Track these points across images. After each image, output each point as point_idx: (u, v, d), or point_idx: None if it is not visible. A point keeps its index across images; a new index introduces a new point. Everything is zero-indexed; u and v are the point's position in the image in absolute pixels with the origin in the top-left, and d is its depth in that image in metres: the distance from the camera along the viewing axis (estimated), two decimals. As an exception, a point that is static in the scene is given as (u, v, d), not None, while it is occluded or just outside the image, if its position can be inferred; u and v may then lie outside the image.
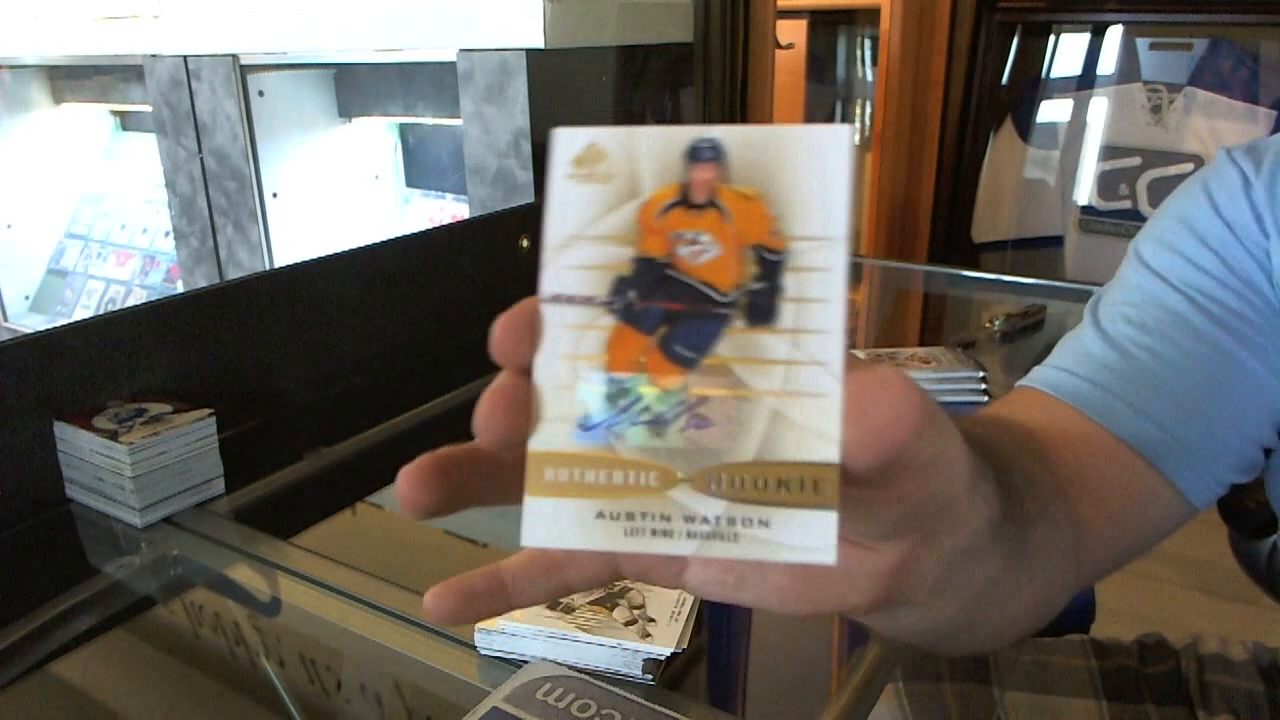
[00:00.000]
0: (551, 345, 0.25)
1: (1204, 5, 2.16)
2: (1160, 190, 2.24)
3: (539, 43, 1.26)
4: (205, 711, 0.60)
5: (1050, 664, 0.73)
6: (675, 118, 1.59)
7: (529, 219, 1.27)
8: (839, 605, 0.29)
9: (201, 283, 1.91)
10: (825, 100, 2.82)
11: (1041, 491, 0.41)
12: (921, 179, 2.46)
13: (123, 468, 0.73)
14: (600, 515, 0.24)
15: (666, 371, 0.25)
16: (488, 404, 0.24)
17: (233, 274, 1.85)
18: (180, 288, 2.04)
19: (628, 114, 1.48)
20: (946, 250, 2.49)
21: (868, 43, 2.72)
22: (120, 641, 0.66)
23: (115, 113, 2.34)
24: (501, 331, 0.25)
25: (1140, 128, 2.25)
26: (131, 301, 2.22)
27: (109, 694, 0.61)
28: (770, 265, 0.24)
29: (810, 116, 2.68)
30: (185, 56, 1.74)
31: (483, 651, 0.58)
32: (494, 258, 1.23)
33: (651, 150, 0.25)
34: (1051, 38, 2.39)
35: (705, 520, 0.24)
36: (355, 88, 1.82)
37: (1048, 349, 0.55)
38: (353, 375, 1.04)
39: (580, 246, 0.25)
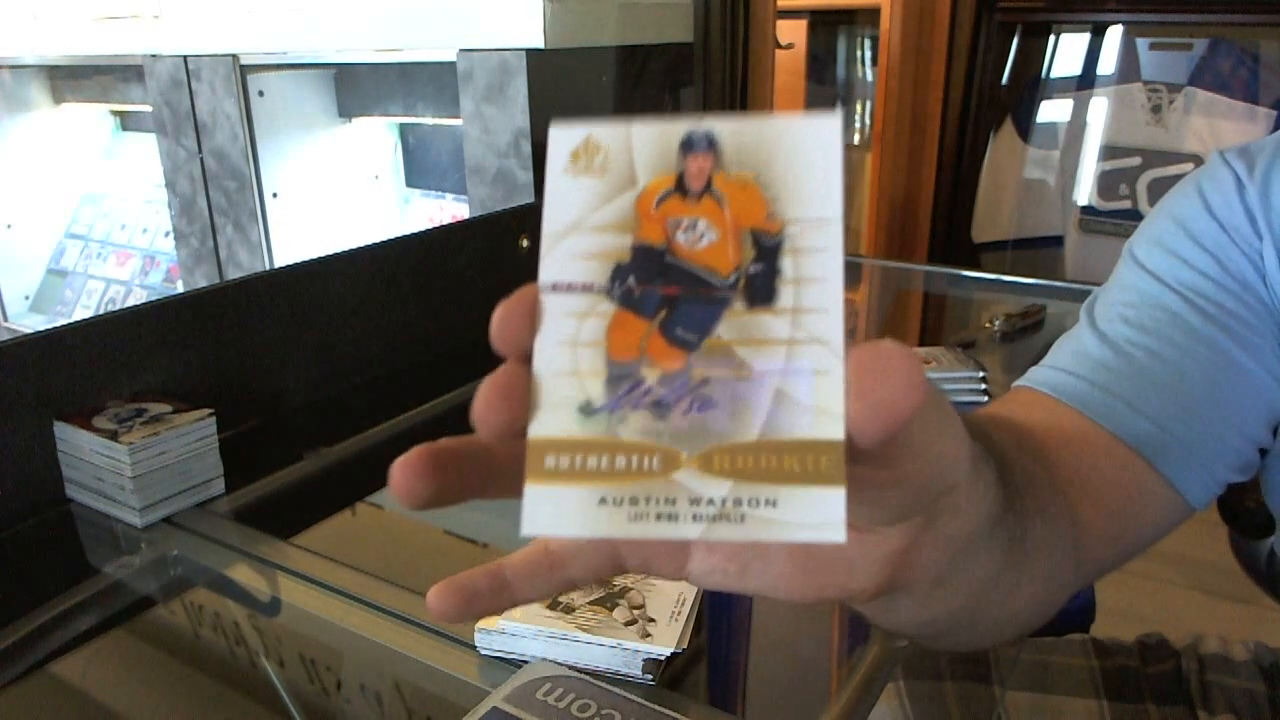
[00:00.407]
0: (551, 332, 0.25)
1: (1204, 5, 2.16)
2: (1160, 190, 2.23)
3: (539, 43, 1.26)
4: (205, 711, 0.60)
5: (1051, 663, 0.73)
6: (675, 118, 1.59)
7: (529, 219, 1.27)
8: (842, 592, 0.29)
9: (201, 283, 1.91)
10: (825, 100, 2.82)
11: (1040, 489, 0.41)
12: (921, 179, 2.46)
13: (123, 468, 0.73)
14: (603, 501, 0.24)
15: (668, 355, 0.25)
16: (486, 393, 0.24)
17: (233, 274, 1.85)
18: (180, 288, 2.04)
19: (628, 114, 1.48)
20: (946, 250, 2.49)
21: (868, 43, 2.72)
22: (120, 641, 0.66)
23: (115, 113, 2.34)
24: (501, 319, 0.25)
25: (1140, 128, 2.25)
26: (131, 301, 2.22)
27: (109, 694, 0.61)
28: (767, 248, 0.25)
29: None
30: (185, 56, 1.74)
31: (483, 651, 0.58)
32: (494, 258, 1.23)
33: (646, 142, 0.26)
34: (1051, 38, 2.39)
35: (711, 502, 0.24)
36: (355, 88, 1.82)
37: (1047, 349, 0.56)
38: (352, 375, 1.04)
39: (578, 236, 0.26)
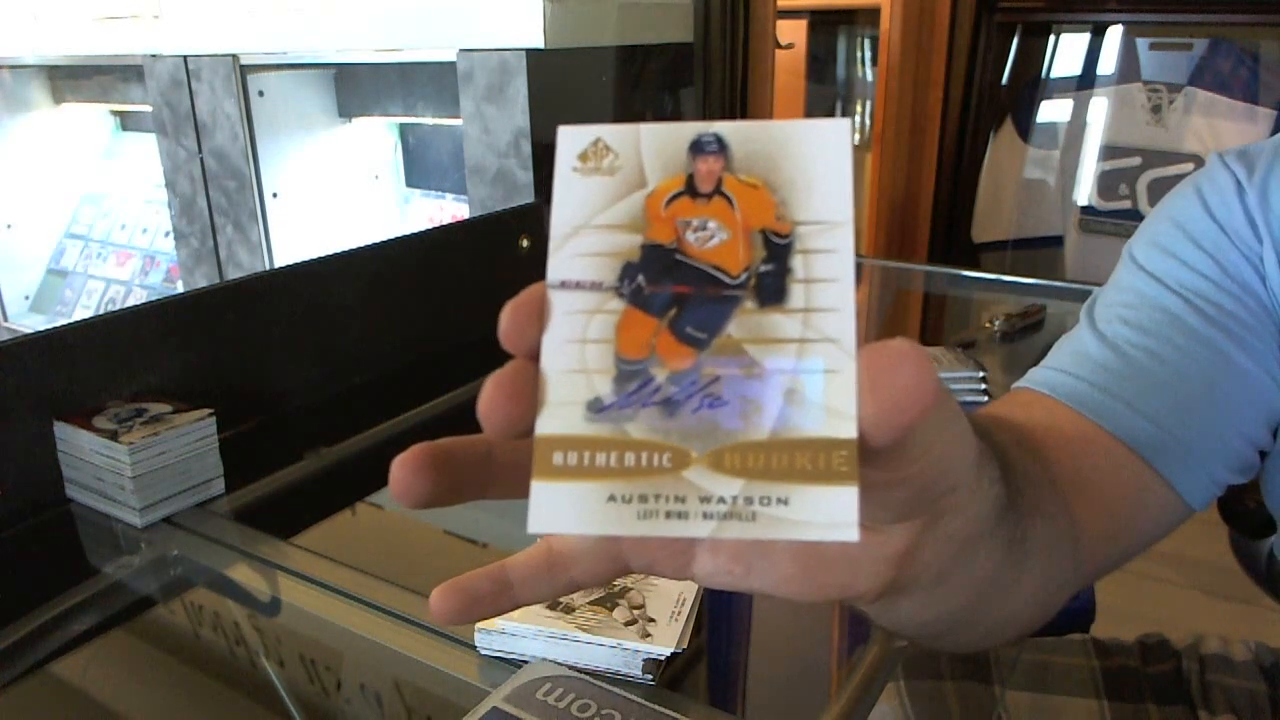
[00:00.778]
0: (560, 330, 0.25)
1: (1204, 5, 2.16)
2: (1160, 190, 2.23)
3: (539, 43, 1.26)
4: (205, 711, 0.60)
5: (1051, 663, 0.73)
6: (675, 118, 1.59)
7: (529, 219, 1.27)
8: (846, 592, 0.29)
9: (201, 283, 1.91)
10: (825, 100, 2.82)
11: (1040, 488, 0.41)
12: (921, 179, 2.46)
13: (123, 468, 0.73)
14: (612, 499, 0.24)
15: (678, 353, 0.25)
16: (492, 390, 0.24)
17: (233, 274, 1.85)
18: (180, 288, 2.04)
19: (628, 114, 1.48)
20: (946, 250, 2.49)
21: (868, 43, 2.72)
22: (120, 641, 0.66)
23: (115, 113, 2.34)
24: (509, 317, 0.25)
25: (1140, 128, 2.25)
26: (131, 301, 2.22)
27: (109, 694, 0.61)
28: (778, 248, 0.25)
29: (810, 116, 2.68)
30: (185, 56, 1.74)
31: (483, 651, 0.58)
32: (494, 258, 1.23)
33: (656, 144, 0.26)
34: (1051, 38, 2.39)
35: (722, 500, 0.23)
36: (355, 88, 1.82)
37: (1047, 349, 0.56)
38: (352, 375, 1.04)
39: (587, 235, 0.26)
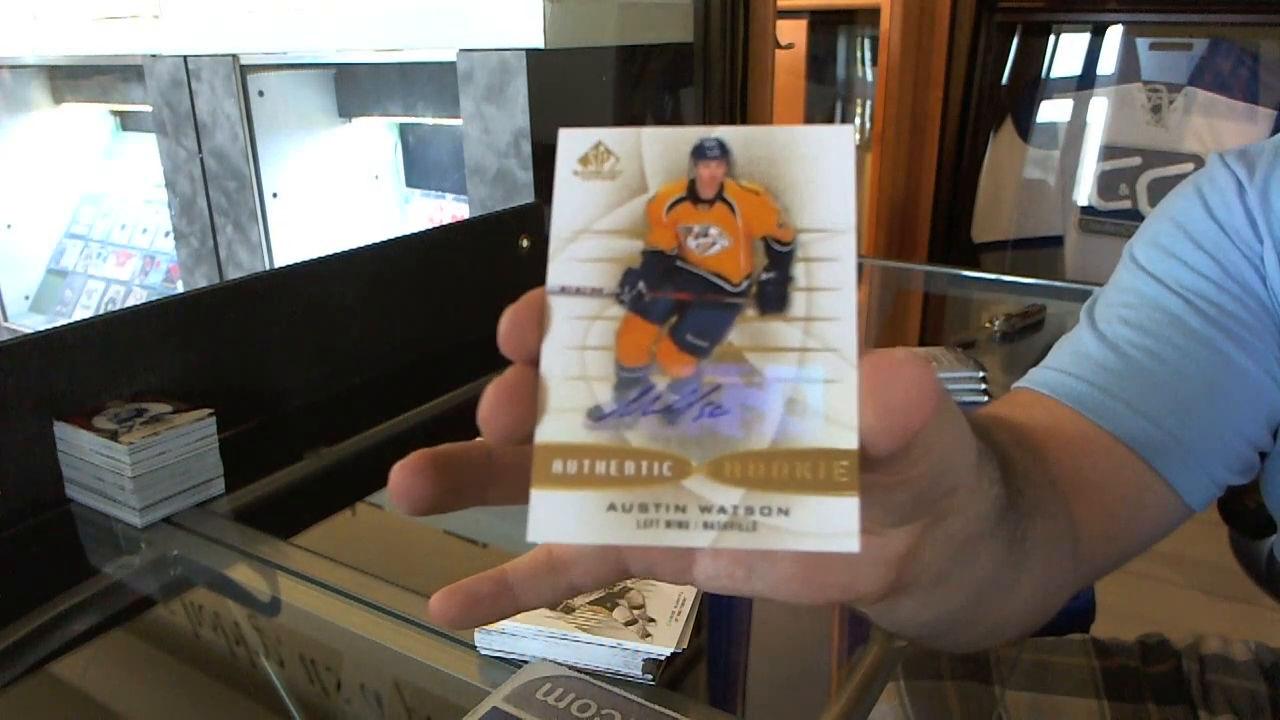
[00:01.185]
0: (559, 336, 0.25)
1: (1204, 5, 2.16)
2: (1160, 190, 2.23)
3: (539, 43, 1.26)
4: (205, 711, 0.60)
5: (1051, 663, 0.73)
6: (675, 117, 1.59)
7: (529, 219, 1.27)
8: (847, 594, 0.29)
9: (201, 283, 1.91)
10: (825, 100, 2.82)
11: (1039, 488, 0.41)
12: (921, 179, 2.46)
13: (123, 468, 0.73)
14: (611, 508, 0.24)
15: (678, 360, 0.24)
16: (492, 396, 0.24)
17: (233, 274, 1.85)
18: (180, 288, 2.04)
19: (628, 114, 1.48)
20: (946, 250, 2.49)
21: (868, 43, 2.72)
22: (120, 641, 0.66)
23: (115, 113, 2.34)
24: (509, 322, 0.24)
25: (1140, 128, 2.25)
26: (131, 301, 2.22)
27: (109, 694, 0.61)
28: (779, 256, 0.25)
29: (810, 116, 2.68)
30: (185, 56, 1.74)
31: (483, 651, 0.58)
32: (494, 258, 1.23)
33: (657, 148, 0.26)
34: (1051, 38, 2.39)
35: (722, 510, 0.23)
36: (355, 88, 1.82)
37: (1048, 349, 0.56)
38: (352, 375, 1.04)
39: (588, 240, 0.25)
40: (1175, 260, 0.51)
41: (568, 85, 1.35)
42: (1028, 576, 0.39)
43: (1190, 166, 2.18)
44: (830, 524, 0.23)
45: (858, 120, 2.80)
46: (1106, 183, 2.31)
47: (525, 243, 1.26)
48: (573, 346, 0.25)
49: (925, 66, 2.37)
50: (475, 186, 1.39)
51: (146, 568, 0.73)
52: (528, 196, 1.32)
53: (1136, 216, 2.27)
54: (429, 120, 1.75)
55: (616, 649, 0.55)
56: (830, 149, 0.25)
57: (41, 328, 0.79)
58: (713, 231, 0.25)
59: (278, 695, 0.60)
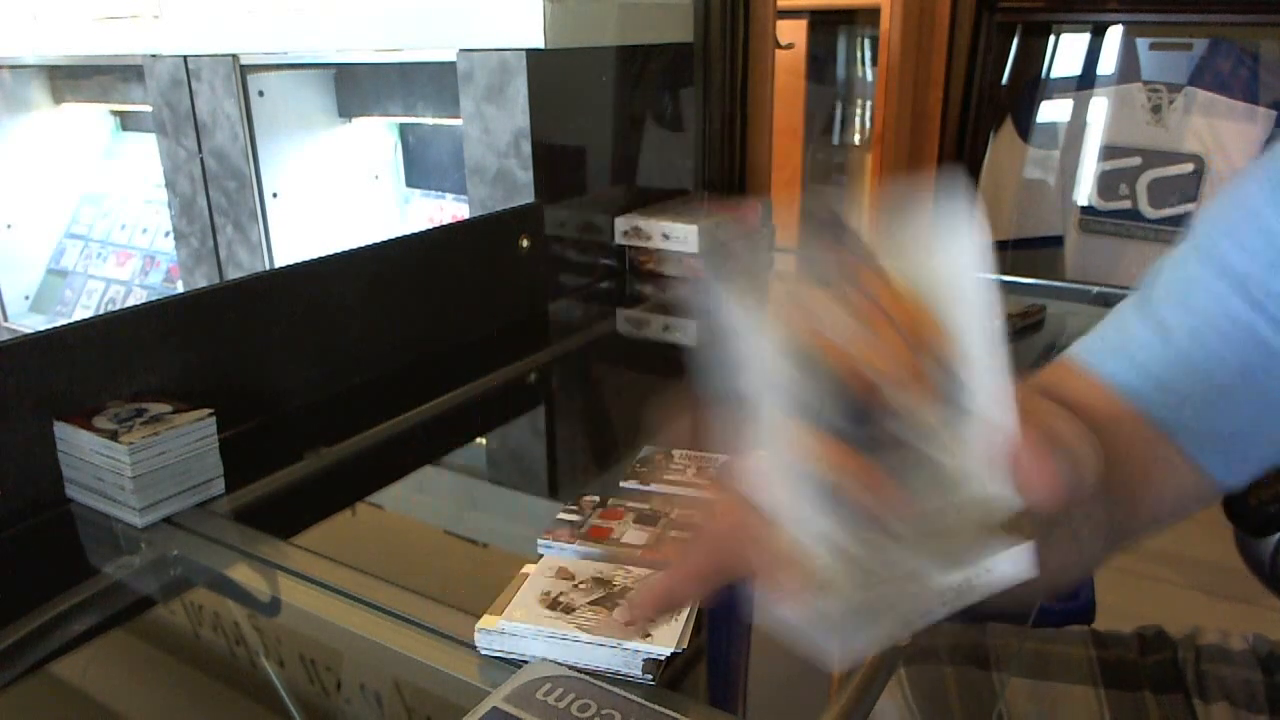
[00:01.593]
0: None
1: (1204, 5, 2.16)
2: (1160, 190, 2.23)
3: (539, 43, 1.26)
4: (205, 711, 0.60)
5: (1050, 653, 0.74)
6: (675, 117, 1.59)
7: (529, 219, 1.27)
8: None
9: (201, 283, 1.91)
10: (825, 100, 2.82)
11: None
12: (921, 179, 2.46)
13: (123, 468, 0.73)
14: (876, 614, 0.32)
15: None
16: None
17: (233, 274, 1.85)
18: (180, 288, 2.04)
19: (628, 114, 1.48)
20: (946, 250, 2.48)
21: (868, 43, 2.72)
22: (120, 641, 0.66)
23: (115, 113, 2.34)
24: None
25: (1140, 128, 2.25)
26: (131, 301, 2.22)
27: (109, 694, 0.61)
28: (945, 368, 0.33)
29: (810, 116, 2.68)
30: (185, 56, 1.74)
31: (483, 651, 0.58)
32: (494, 258, 1.23)
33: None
34: (1051, 38, 2.39)
35: (951, 589, 0.32)
36: (355, 88, 1.82)
37: (1048, 349, 0.56)
38: (352, 375, 1.04)
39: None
40: (1233, 241, 0.52)
41: (568, 85, 1.35)
42: (1074, 544, 0.45)
43: (1190, 167, 2.18)
44: (1019, 568, 0.33)
45: (858, 120, 2.80)
46: (1106, 183, 2.31)
47: (525, 243, 1.26)
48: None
49: (925, 66, 2.37)
50: (475, 186, 1.39)
51: (146, 568, 0.73)
52: (528, 196, 1.32)
53: (1136, 216, 2.27)
54: (429, 120, 1.75)
55: (616, 649, 0.55)
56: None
57: (41, 328, 0.79)
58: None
59: (278, 695, 0.60)
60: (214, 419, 0.78)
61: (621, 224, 1.44)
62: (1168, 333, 0.51)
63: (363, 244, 1.05)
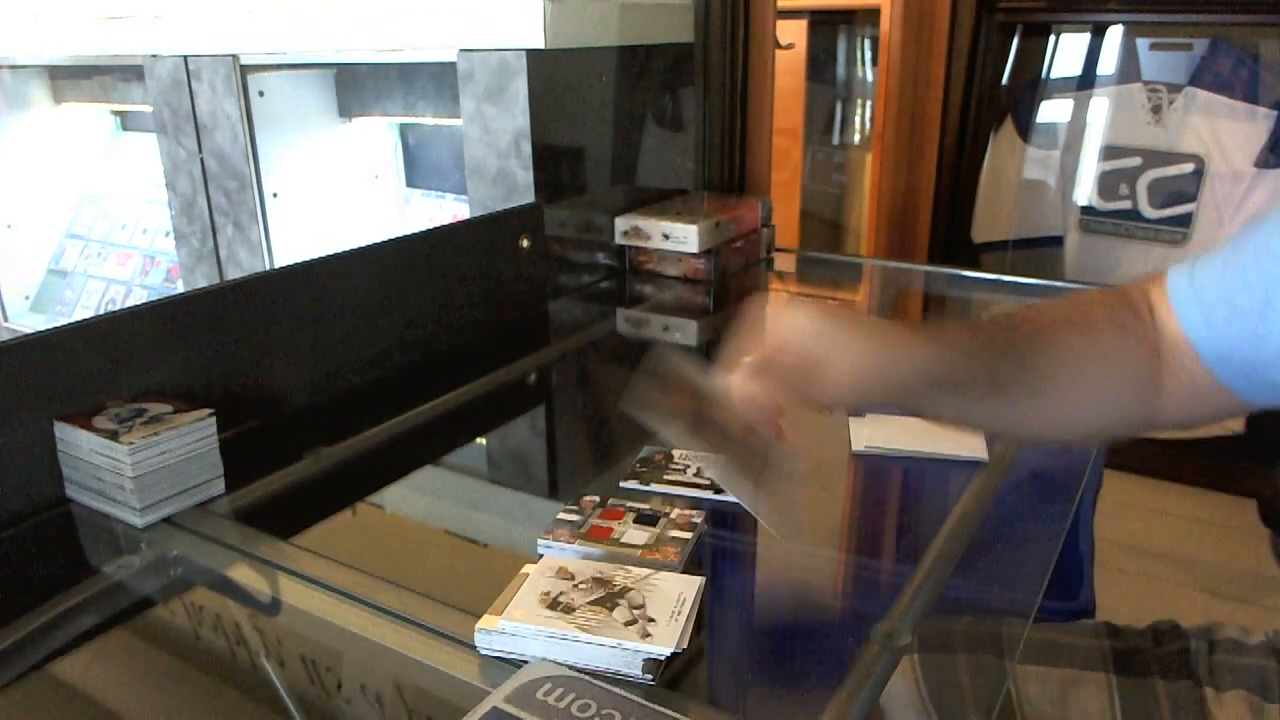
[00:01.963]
0: None
1: (1204, 5, 2.16)
2: (1160, 190, 2.24)
3: (539, 43, 1.26)
4: (205, 711, 0.60)
5: (1062, 642, 0.74)
6: (675, 118, 1.59)
7: (529, 219, 1.27)
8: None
9: (201, 283, 1.91)
10: (825, 100, 2.82)
11: (1023, 349, 0.61)
12: (921, 179, 2.46)
13: (123, 468, 0.73)
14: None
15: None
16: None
17: (233, 274, 1.85)
18: (180, 288, 2.04)
19: (628, 114, 1.48)
20: (946, 250, 2.49)
21: (868, 43, 2.71)
22: (120, 641, 0.66)
23: (115, 113, 2.34)
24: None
25: (1140, 128, 2.25)
26: (131, 301, 2.22)
27: (109, 694, 0.61)
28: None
29: (810, 116, 2.68)
30: (185, 56, 1.74)
31: (483, 651, 0.58)
32: (494, 258, 1.23)
33: None
34: (1051, 38, 2.39)
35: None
36: (355, 88, 1.82)
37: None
38: (353, 375, 1.04)
39: None
40: None
41: (568, 85, 1.35)
42: (1048, 398, 0.61)
43: (1190, 167, 2.18)
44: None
45: (858, 120, 2.80)
46: (1106, 183, 2.31)
47: (525, 243, 1.26)
48: None
49: (925, 67, 2.37)
50: (475, 186, 1.39)
51: (146, 568, 0.73)
52: (528, 196, 1.32)
53: (1137, 217, 2.27)
54: (429, 120, 1.75)
55: (616, 649, 0.55)
56: None
57: (41, 328, 0.79)
58: None
59: (278, 695, 0.60)
60: (214, 419, 0.78)
61: (621, 224, 1.44)
62: (1227, 263, 0.59)
63: (363, 244, 1.05)
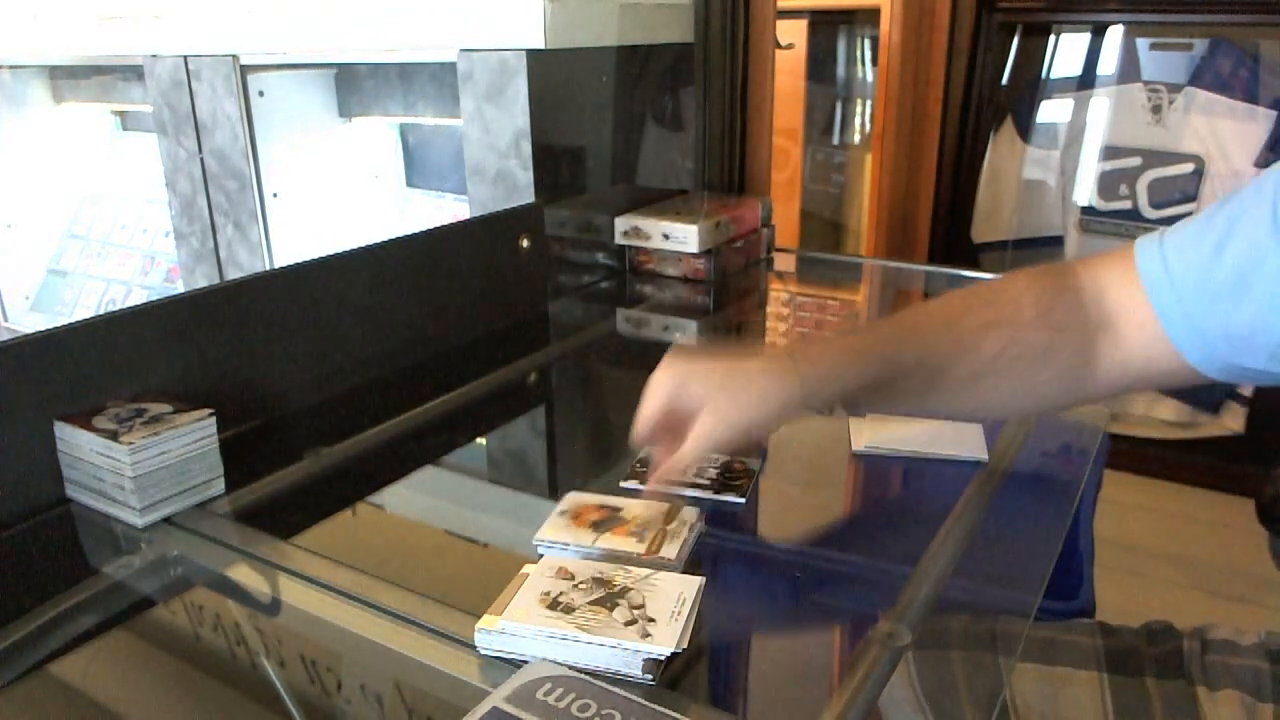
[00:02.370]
0: None
1: (1204, 5, 2.16)
2: (1160, 190, 2.24)
3: (539, 43, 1.26)
4: (205, 711, 0.60)
5: (1058, 640, 0.75)
6: (675, 118, 1.59)
7: (529, 219, 1.27)
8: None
9: (201, 283, 1.91)
10: (825, 100, 2.82)
11: (950, 350, 0.67)
12: (921, 179, 2.46)
13: (123, 468, 0.73)
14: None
15: None
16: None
17: (233, 274, 1.85)
18: (180, 288, 2.04)
19: (628, 114, 1.48)
20: (946, 250, 2.49)
21: (868, 43, 2.71)
22: (120, 641, 0.66)
23: (115, 113, 2.34)
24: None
25: (1140, 128, 2.25)
26: (131, 301, 2.22)
27: (109, 694, 0.61)
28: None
29: (810, 116, 2.68)
30: (185, 56, 1.74)
31: (483, 651, 0.58)
32: (494, 258, 1.23)
33: None
34: (1051, 38, 2.39)
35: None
36: (355, 88, 1.82)
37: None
38: (352, 375, 1.04)
39: None
40: None
41: (568, 85, 1.35)
42: (989, 383, 0.67)
43: (1190, 167, 2.18)
44: None
45: (858, 120, 2.80)
46: (1107, 183, 2.31)
47: (525, 243, 1.26)
48: None
49: (925, 67, 2.37)
50: (475, 186, 1.39)
51: (146, 568, 0.73)
52: (528, 196, 1.32)
53: (1137, 217, 2.27)
54: (429, 120, 1.75)
55: (616, 649, 0.55)
56: None
57: (41, 328, 0.79)
58: None
59: (278, 695, 0.60)
60: (214, 419, 0.78)
61: (621, 224, 1.44)
62: (1202, 235, 0.61)
63: (363, 244, 1.05)
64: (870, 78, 2.71)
